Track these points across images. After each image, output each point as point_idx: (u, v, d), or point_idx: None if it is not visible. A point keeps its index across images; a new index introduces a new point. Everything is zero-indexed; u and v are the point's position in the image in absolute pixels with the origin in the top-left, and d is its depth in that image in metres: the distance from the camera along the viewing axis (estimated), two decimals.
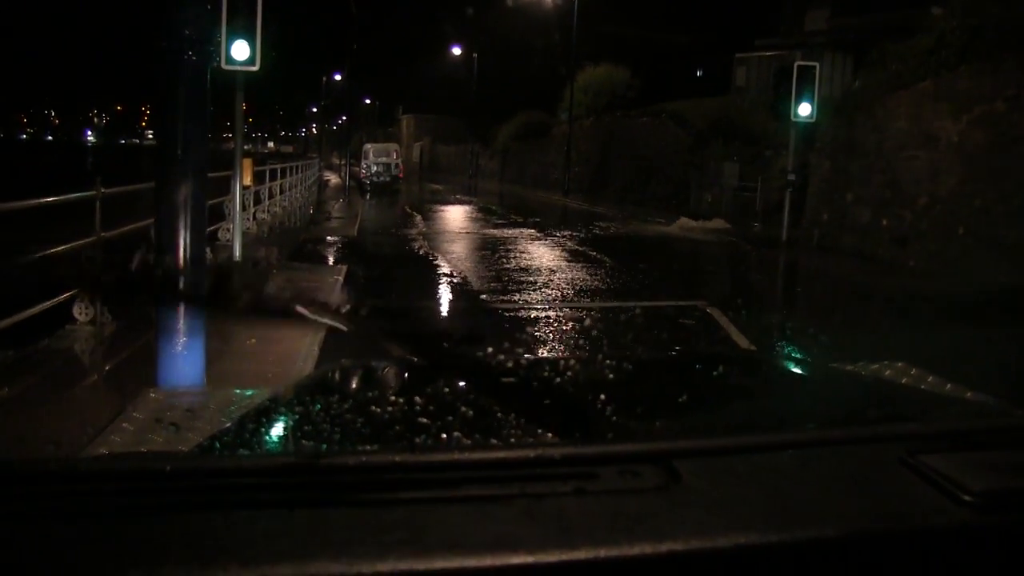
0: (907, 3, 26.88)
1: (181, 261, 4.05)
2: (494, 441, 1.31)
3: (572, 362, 2.01)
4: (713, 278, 14.85)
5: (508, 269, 13.82)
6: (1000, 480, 1.03)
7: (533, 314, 10.19)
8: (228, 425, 1.78)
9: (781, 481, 1.05)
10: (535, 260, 15.18)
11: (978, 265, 13.20)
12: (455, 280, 13.08)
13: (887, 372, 2.53)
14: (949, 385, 2.33)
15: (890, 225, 15.80)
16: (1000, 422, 1.43)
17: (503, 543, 0.87)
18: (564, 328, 9.41)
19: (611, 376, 1.70)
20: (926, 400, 1.97)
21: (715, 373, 2.06)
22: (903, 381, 2.39)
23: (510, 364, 1.62)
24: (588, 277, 13.11)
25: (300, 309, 1.35)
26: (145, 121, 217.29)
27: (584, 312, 10.49)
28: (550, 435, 1.31)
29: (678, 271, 15.57)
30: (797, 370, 2.24)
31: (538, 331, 9.08)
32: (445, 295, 12.03)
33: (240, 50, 11.27)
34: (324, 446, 1.40)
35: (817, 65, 17.90)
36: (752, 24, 36.43)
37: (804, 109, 17.50)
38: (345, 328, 1.37)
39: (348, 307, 1.39)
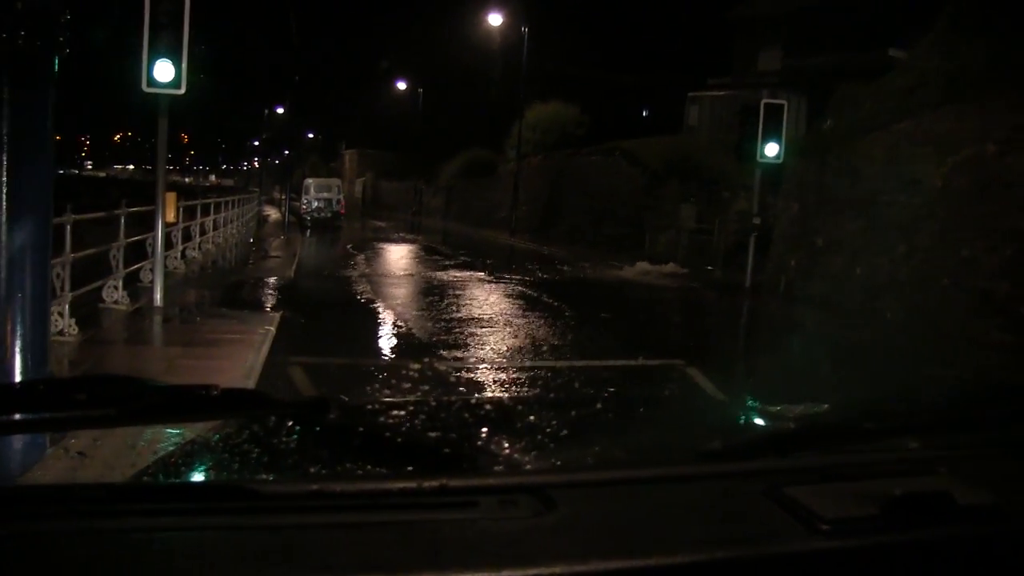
0: (861, 45, 26.54)
1: (11, 362, 2.68)
2: (380, 471, 1.38)
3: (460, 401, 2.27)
4: (685, 332, 13.75)
5: (458, 319, 12.60)
6: (851, 508, 1.12)
7: (491, 376, 8.99)
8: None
9: (649, 511, 1.14)
10: (487, 308, 13.98)
11: (963, 318, 12.27)
12: (399, 331, 11.85)
13: (812, 413, 2.45)
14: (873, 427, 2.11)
15: (864, 273, 14.85)
16: (860, 457, 1.47)
17: (372, 565, 0.93)
18: (533, 405, 8.21)
19: (498, 412, 1.72)
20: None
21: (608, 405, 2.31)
22: (830, 423, 2.23)
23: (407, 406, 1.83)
24: (548, 329, 11.94)
25: None
26: (86, 151, 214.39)
27: (548, 372, 9.30)
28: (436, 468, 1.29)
29: (645, 322, 14.40)
30: (707, 400, 2.26)
31: (498, 395, 7.86)
32: (387, 350, 10.79)
33: (163, 71, 10.28)
34: (224, 474, 1.49)
35: (785, 104, 17.09)
36: (704, 63, 36.00)
37: (771, 149, 16.62)
38: None
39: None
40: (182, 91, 10.38)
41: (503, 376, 9.06)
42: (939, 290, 13.04)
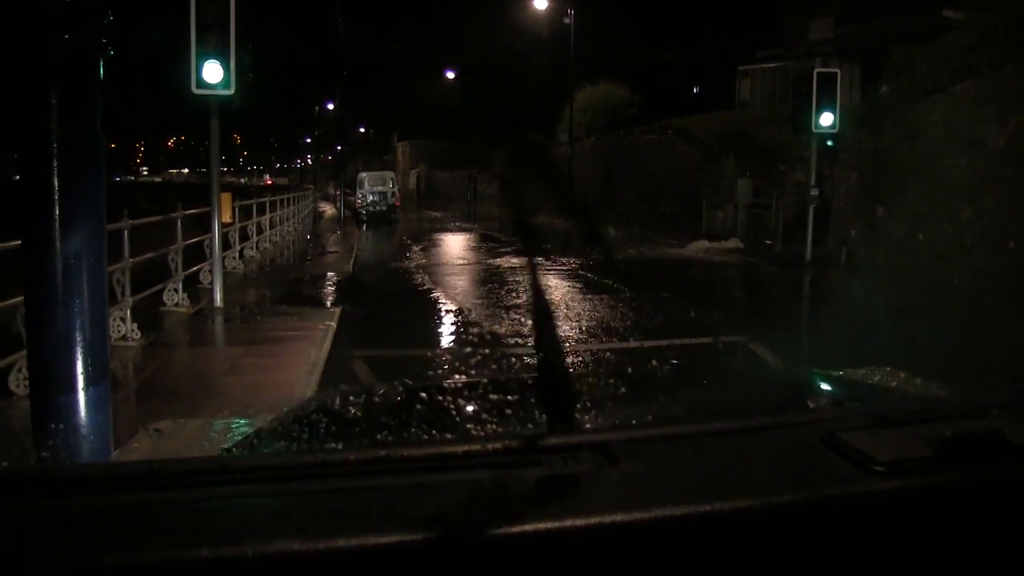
0: (914, 8, 25.91)
1: (72, 368, 2.68)
2: (446, 436, 1.45)
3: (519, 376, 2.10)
4: (748, 308, 13.55)
5: (515, 305, 12.56)
6: (905, 450, 1.15)
7: (553, 360, 8.94)
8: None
9: (708, 462, 1.18)
10: (547, 293, 13.93)
11: None
12: (460, 320, 11.84)
13: (876, 377, 2.57)
14: (935, 386, 2.30)
15: (928, 240, 14.53)
16: (914, 404, 1.60)
17: (441, 519, 0.97)
18: (597, 377, 8.15)
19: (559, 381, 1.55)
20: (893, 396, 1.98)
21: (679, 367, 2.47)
22: (892, 384, 2.42)
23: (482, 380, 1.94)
24: (609, 311, 11.85)
25: None
26: (140, 157, 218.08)
27: (610, 354, 9.23)
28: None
29: (707, 300, 14.23)
30: (769, 369, 2.30)
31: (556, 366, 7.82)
32: (448, 338, 10.79)
33: (212, 72, 10.31)
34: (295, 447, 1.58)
35: (838, 72, 16.75)
36: (753, 36, 35.47)
37: (826, 119, 16.31)
38: None
39: None
40: (231, 92, 10.44)
41: (566, 360, 9.02)
42: (1006, 254, 12.72)
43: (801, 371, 3.83)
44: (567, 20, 35.74)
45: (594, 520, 0.99)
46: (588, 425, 1.56)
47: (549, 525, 0.98)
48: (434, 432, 1.48)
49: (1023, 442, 1.17)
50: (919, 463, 1.13)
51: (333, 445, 1.61)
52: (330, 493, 1.09)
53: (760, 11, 37.12)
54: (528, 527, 0.98)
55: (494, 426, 1.50)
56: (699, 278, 16.99)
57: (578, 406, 1.57)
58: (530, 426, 1.39)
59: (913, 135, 15.04)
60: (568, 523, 0.99)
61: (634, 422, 1.61)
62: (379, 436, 1.52)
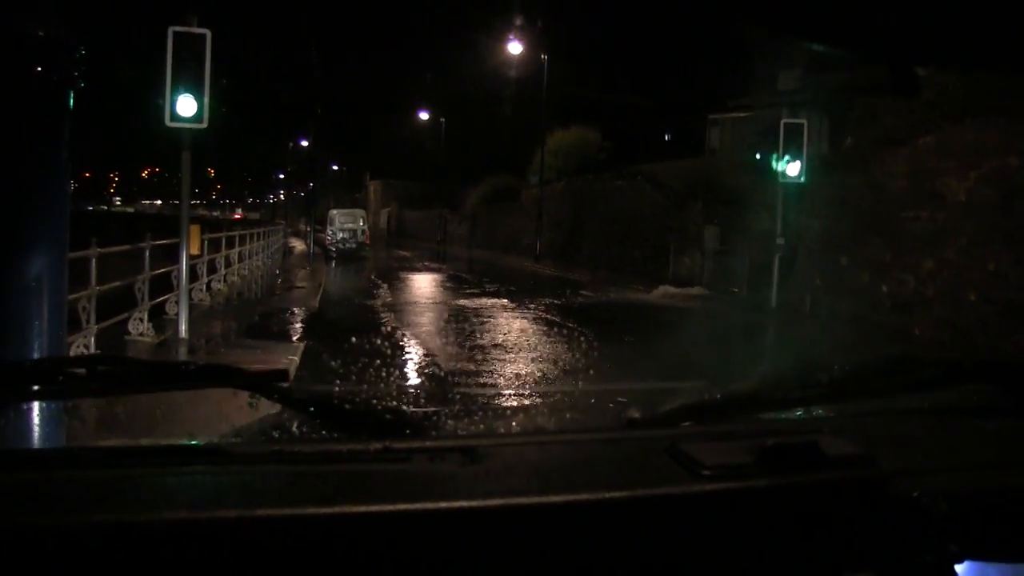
0: (882, 62, 26.34)
1: None
2: (333, 436, 1.56)
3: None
4: (709, 353, 13.60)
5: (482, 346, 12.58)
6: (732, 458, 1.28)
7: (511, 401, 8.95)
8: None
9: (563, 463, 1.33)
10: (512, 335, 13.95)
11: (993, 331, 12.11)
12: (422, 359, 11.83)
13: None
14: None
15: (891, 290, 14.70)
16: (755, 423, 1.67)
17: (317, 500, 1.11)
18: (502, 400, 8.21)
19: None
20: None
21: None
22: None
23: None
24: (570, 354, 11.89)
25: None
26: (114, 187, 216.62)
27: (565, 397, 9.25)
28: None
29: (668, 345, 14.26)
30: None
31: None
32: (410, 376, 10.76)
33: (186, 106, 10.42)
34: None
35: (805, 122, 17.01)
36: (723, 85, 35.90)
37: (793, 168, 16.53)
38: None
39: None
40: (204, 125, 10.52)
41: (523, 401, 9.03)
42: (968, 305, 12.89)
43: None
44: (543, 57, 36.08)
45: (453, 505, 1.13)
46: (462, 432, 1.70)
47: (413, 506, 1.12)
48: (323, 428, 1.63)
49: (837, 453, 1.31)
50: (740, 468, 1.26)
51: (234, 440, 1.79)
52: (219, 475, 1.26)
53: (731, 60, 37.64)
54: (394, 507, 1.12)
55: (374, 424, 1.60)
56: (660, 323, 17.03)
57: (461, 421, 1.81)
58: (408, 432, 1.51)
59: (877, 185, 15.28)
60: (429, 505, 1.12)
61: (502, 430, 1.75)
62: (275, 434, 1.70)
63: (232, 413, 6.04)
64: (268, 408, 5.37)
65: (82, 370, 1.48)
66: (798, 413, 1.79)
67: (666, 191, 27.43)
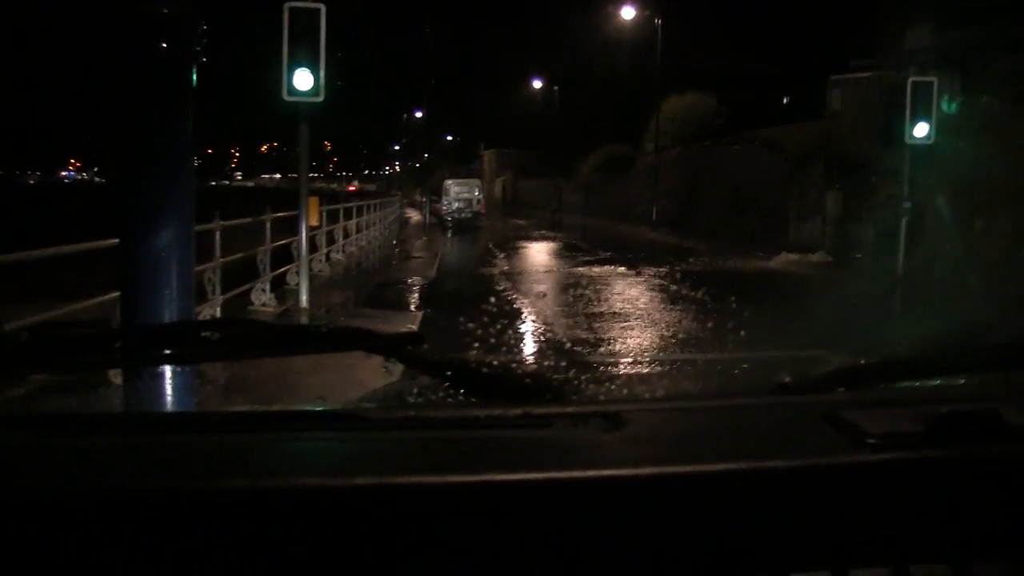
0: (1020, 15, 25.07)
1: None
2: (471, 401, 1.48)
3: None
4: (831, 322, 13.23)
5: (598, 314, 12.49)
6: (900, 427, 1.18)
7: (631, 370, 8.86)
8: None
9: (713, 430, 1.26)
10: (630, 303, 13.82)
11: None
12: (547, 328, 11.79)
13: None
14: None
15: None
16: (919, 389, 1.55)
17: (454, 468, 1.07)
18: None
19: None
20: None
21: None
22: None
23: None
24: (690, 323, 11.72)
25: None
26: (235, 162, 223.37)
27: (714, 365, 9.10)
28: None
29: (790, 314, 13.90)
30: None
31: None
32: (527, 345, 10.75)
33: (303, 80, 10.61)
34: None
35: (935, 81, 16.26)
36: (845, 45, 34.76)
37: (920, 130, 15.85)
38: None
39: None
40: (320, 99, 10.73)
41: (661, 368, 8.94)
42: None
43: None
44: (657, 22, 35.55)
45: (592, 473, 1.08)
46: (602, 397, 1.60)
47: (557, 475, 1.07)
48: (461, 394, 1.56)
49: (1020, 424, 1.20)
50: (910, 438, 1.17)
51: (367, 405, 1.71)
52: (353, 441, 1.23)
53: (854, 19, 36.42)
54: (537, 475, 1.07)
55: (514, 390, 1.54)
56: (786, 290, 16.68)
57: (601, 386, 1.69)
58: (548, 397, 1.44)
59: (1017, 146, 14.56)
60: (572, 474, 1.07)
61: (646, 395, 1.66)
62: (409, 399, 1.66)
63: (365, 378, 6.16)
64: (399, 374, 5.40)
65: (214, 333, 1.48)
66: (961, 381, 1.70)
67: (785, 156, 26.79)
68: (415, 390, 2.51)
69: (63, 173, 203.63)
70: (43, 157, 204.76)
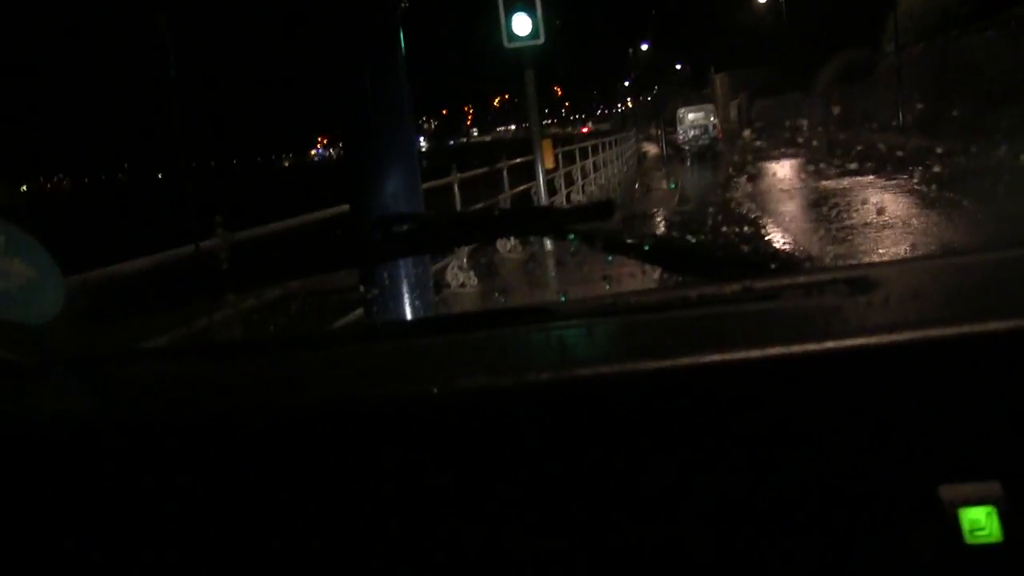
0: None
1: (400, 312, 3.02)
2: (675, 279, 1.40)
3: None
4: None
5: (849, 226, 12.27)
6: None
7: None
8: None
9: (977, 284, 1.05)
10: (882, 213, 13.45)
11: None
12: (789, 244, 11.75)
13: None
14: None
15: None
16: None
17: (659, 352, 0.91)
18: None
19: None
20: None
21: None
22: None
23: None
24: (949, 228, 11.31)
25: None
26: (470, 120, 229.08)
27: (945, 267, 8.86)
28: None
29: None
30: None
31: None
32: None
33: (521, 24, 10.68)
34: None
35: None
36: None
37: None
38: None
39: None
40: (541, 40, 10.78)
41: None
42: None
43: None
44: None
45: (830, 345, 0.86)
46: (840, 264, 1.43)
47: (785, 350, 0.86)
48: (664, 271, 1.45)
49: None
50: None
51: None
52: (550, 332, 1.12)
53: None
54: (759, 352, 0.87)
55: (730, 262, 1.35)
56: None
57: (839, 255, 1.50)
58: (773, 268, 1.23)
59: None
60: (810, 347, 0.86)
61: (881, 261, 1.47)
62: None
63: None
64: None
65: (378, 233, 1.47)
66: None
67: None
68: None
69: (312, 152, 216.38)
70: (296, 139, 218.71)
